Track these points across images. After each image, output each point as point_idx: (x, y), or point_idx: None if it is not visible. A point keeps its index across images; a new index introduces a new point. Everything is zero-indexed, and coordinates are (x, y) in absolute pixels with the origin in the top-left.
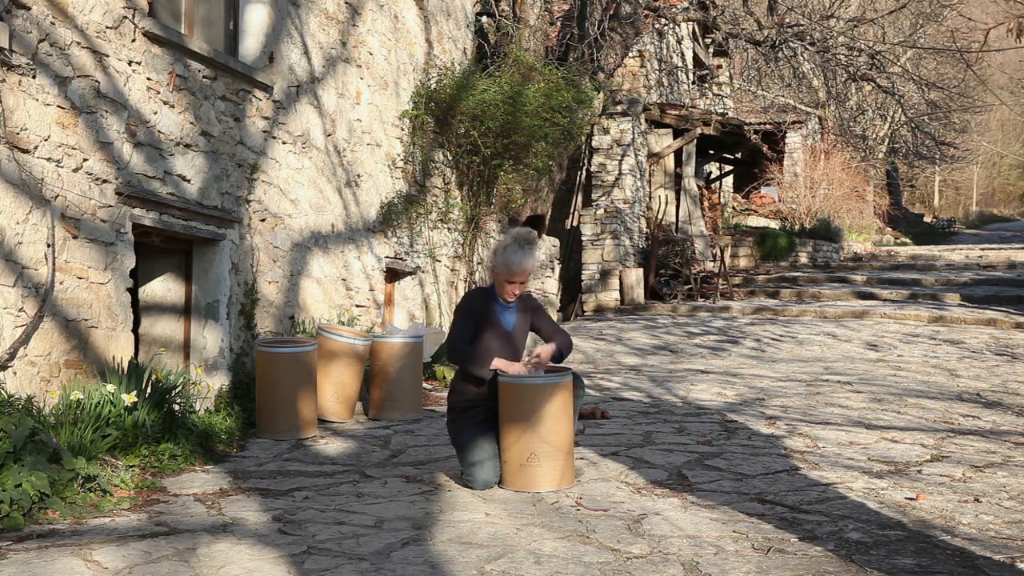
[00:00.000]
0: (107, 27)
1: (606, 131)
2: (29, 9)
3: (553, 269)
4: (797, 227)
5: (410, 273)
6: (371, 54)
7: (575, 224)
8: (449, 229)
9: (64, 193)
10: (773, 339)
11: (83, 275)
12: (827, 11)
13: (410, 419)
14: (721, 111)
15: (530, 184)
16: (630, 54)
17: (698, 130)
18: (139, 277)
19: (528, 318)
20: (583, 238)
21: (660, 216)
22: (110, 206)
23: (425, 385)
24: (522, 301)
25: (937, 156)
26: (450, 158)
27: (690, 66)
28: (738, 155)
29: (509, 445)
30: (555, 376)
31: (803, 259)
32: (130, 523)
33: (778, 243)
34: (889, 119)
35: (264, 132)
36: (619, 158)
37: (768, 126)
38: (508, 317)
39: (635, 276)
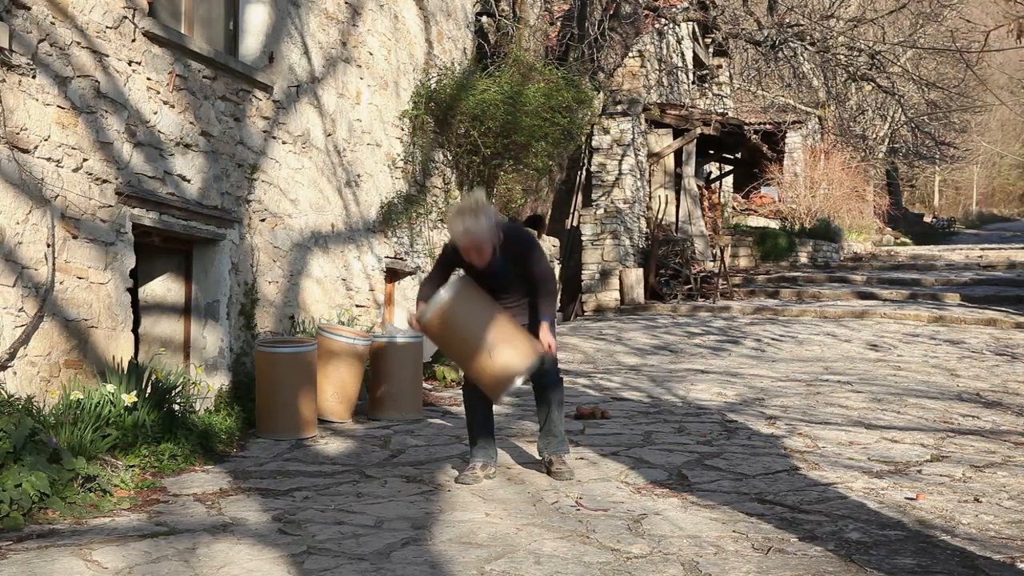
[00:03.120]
0: (107, 27)
1: (606, 131)
2: (29, 9)
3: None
4: (797, 227)
5: (410, 273)
6: (371, 54)
7: (575, 224)
8: None
9: (64, 193)
10: (773, 339)
11: (83, 275)
12: (827, 11)
13: (410, 419)
14: (721, 111)
15: (530, 184)
16: (630, 54)
17: (698, 130)
18: (139, 277)
19: (524, 261)
20: (583, 238)
21: (660, 216)
22: (110, 206)
23: (425, 385)
24: (507, 247)
25: (937, 156)
26: (450, 158)
27: (690, 66)
28: (738, 155)
29: (472, 366)
30: (447, 290)
31: (803, 259)
32: (130, 523)
33: (778, 243)
34: (889, 119)
35: (264, 132)
36: (619, 158)
37: (768, 126)
38: (496, 263)
39: (635, 276)
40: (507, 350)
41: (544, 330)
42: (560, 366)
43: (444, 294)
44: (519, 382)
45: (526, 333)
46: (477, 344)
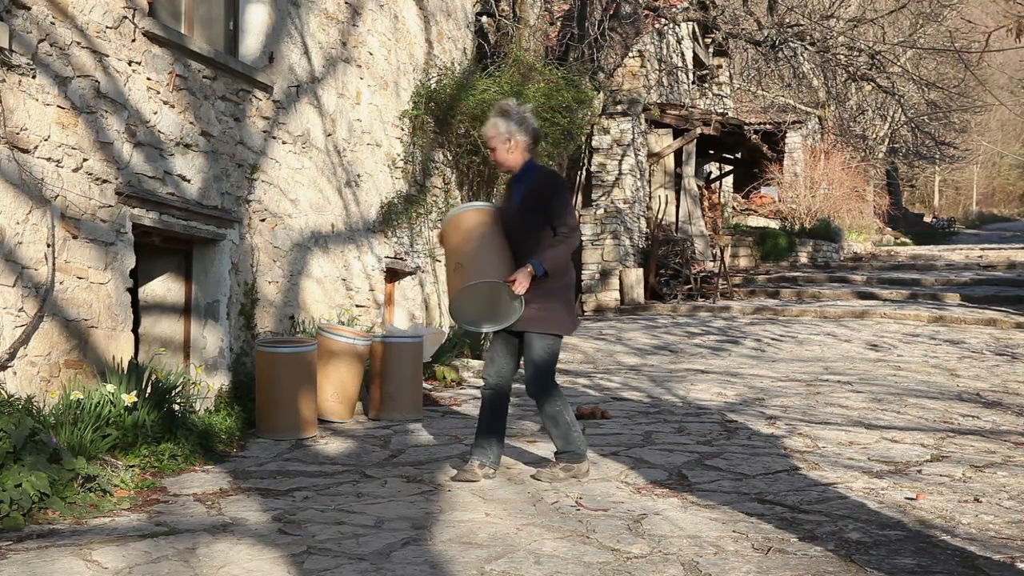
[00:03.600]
0: (107, 27)
1: (606, 131)
2: (29, 9)
3: None
4: (797, 227)
5: (410, 273)
6: (371, 54)
7: None
8: None
9: (64, 193)
10: (773, 339)
11: (83, 275)
12: (827, 11)
13: (410, 419)
14: (721, 111)
15: None
16: (630, 54)
17: (698, 130)
18: (139, 277)
19: (537, 195)
20: (583, 238)
21: (660, 216)
22: (110, 206)
23: (425, 385)
24: (535, 181)
25: (937, 156)
26: (450, 158)
27: (690, 66)
28: (738, 155)
29: (449, 273)
30: (466, 205)
31: (803, 259)
32: (130, 523)
33: (778, 243)
34: (889, 119)
35: (264, 132)
36: (619, 158)
37: (768, 126)
38: (518, 190)
39: (635, 276)
40: (473, 265)
41: (523, 269)
42: (559, 366)
43: (461, 206)
44: (482, 327)
45: (504, 262)
46: (458, 256)
